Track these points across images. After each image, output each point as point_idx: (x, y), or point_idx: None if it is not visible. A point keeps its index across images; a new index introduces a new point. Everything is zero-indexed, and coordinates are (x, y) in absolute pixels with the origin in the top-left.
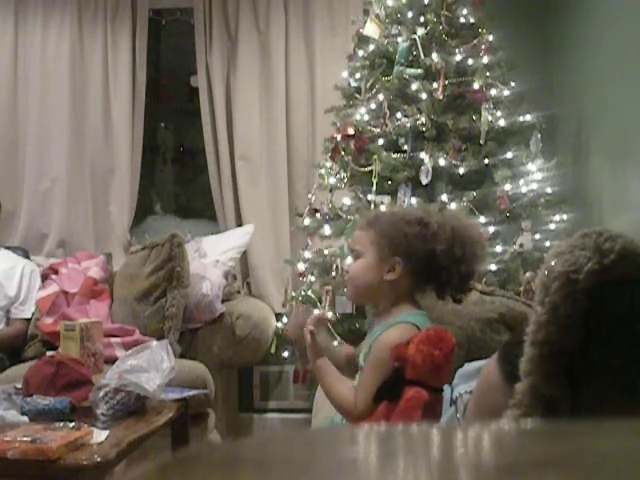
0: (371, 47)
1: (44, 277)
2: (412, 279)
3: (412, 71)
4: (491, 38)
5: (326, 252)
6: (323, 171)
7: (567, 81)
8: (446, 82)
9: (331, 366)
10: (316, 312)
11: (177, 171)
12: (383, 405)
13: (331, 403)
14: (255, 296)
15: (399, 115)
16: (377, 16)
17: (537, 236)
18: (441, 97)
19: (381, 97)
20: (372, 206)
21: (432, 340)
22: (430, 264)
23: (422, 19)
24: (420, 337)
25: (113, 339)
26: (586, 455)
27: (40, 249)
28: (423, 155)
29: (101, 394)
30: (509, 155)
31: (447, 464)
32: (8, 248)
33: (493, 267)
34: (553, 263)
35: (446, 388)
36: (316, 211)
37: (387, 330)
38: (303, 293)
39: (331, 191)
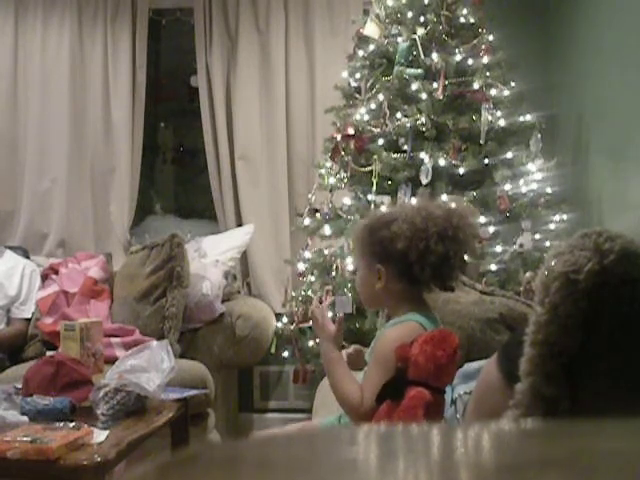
0: (371, 47)
1: (44, 277)
2: (399, 280)
3: (412, 71)
4: (491, 38)
5: (326, 252)
6: (323, 171)
7: (567, 81)
8: (446, 82)
9: (343, 359)
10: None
11: (177, 171)
12: (385, 405)
13: (336, 397)
14: (255, 296)
15: (399, 115)
16: (377, 16)
17: (537, 236)
18: (441, 97)
19: (381, 97)
20: (372, 206)
21: (436, 341)
22: (404, 262)
23: (422, 19)
24: (424, 338)
25: (113, 339)
26: (586, 455)
27: (40, 249)
28: (423, 155)
29: (101, 394)
30: (509, 155)
31: (447, 464)
32: (8, 248)
33: (493, 267)
34: (553, 263)
35: (447, 388)
36: (316, 211)
37: (388, 329)
38: (303, 293)
39: (331, 191)
